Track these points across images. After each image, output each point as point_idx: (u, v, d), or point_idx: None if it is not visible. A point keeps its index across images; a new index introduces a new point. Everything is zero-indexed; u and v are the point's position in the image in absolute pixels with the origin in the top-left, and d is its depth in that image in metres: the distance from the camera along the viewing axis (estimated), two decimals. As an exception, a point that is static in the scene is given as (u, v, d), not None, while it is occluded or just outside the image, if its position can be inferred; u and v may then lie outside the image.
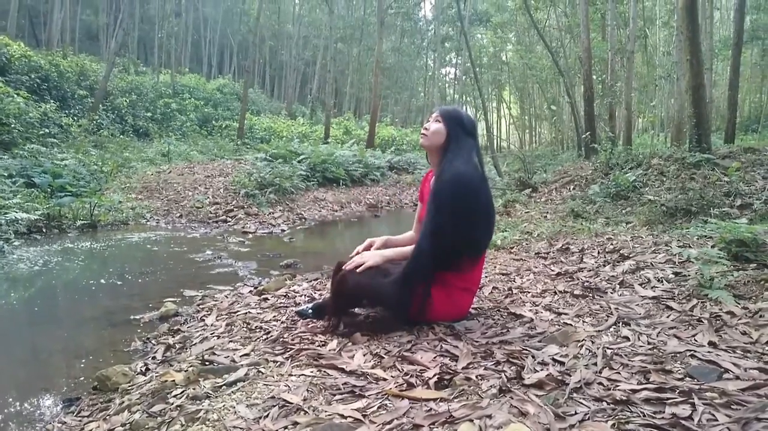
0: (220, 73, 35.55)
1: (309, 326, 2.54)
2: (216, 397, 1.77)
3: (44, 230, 6.90)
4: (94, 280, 4.60)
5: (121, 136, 16.79)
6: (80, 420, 2.04)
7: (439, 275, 2.33)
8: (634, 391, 1.55)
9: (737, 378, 1.64)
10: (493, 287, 3.12)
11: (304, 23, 37.25)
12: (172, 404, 1.81)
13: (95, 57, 23.57)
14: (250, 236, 7.52)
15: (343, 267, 2.34)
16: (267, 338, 2.43)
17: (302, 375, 1.89)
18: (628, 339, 2.06)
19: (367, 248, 2.59)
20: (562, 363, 1.83)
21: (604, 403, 1.50)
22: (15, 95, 11.88)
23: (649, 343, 2.00)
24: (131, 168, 12.11)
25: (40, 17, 28.89)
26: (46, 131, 12.43)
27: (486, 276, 3.41)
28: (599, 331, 2.17)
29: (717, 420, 1.37)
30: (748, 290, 2.50)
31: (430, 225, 2.25)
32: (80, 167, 10.10)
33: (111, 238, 6.79)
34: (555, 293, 2.88)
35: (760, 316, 2.17)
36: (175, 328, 3.14)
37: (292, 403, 1.64)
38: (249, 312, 3.04)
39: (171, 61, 28.61)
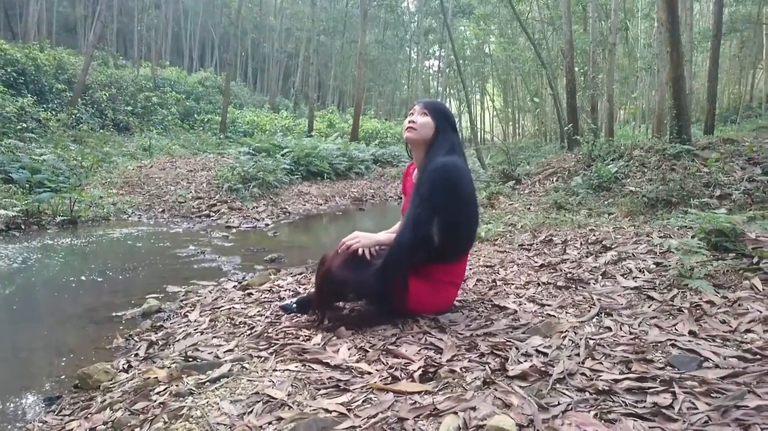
0: (201, 67, 35.14)
1: (293, 320, 2.52)
2: (199, 394, 1.75)
3: (23, 227, 6.78)
4: (75, 277, 4.54)
5: (101, 130, 16.53)
6: (61, 419, 2.01)
7: (424, 268, 2.33)
8: (616, 381, 1.57)
9: (717, 366, 1.66)
10: (477, 280, 3.13)
11: (286, 15, 36.93)
12: (155, 401, 1.79)
13: (73, 50, 23.13)
14: (234, 230, 7.47)
15: (337, 248, 2.32)
16: (251, 333, 2.41)
17: (286, 370, 1.88)
18: (610, 329, 2.08)
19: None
20: (545, 354, 1.84)
21: (587, 393, 1.51)
22: (-10, 90, 11.66)
23: (630, 333, 2.02)
24: (112, 163, 11.94)
25: (16, 9, 28.20)
26: (24, 125, 12.21)
27: (470, 268, 3.42)
28: (582, 322, 2.18)
29: (697, 408, 1.39)
30: (727, 280, 2.53)
31: (413, 216, 2.25)
32: (59, 162, 9.92)
33: (92, 234, 6.70)
34: (538, 284, 2.90)
35: (739, 305, 2.20)
36: (158, 324, 3.11)
37: (276, 398, 1.63)
38: (233, 308, 3.02)
39: (151, 54, 28.21)
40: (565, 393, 1.52)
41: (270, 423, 1.50)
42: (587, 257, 3.43)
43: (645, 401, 1.45)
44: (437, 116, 2.36)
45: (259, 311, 2.83)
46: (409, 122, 2.38)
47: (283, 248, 6.13)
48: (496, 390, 1.56)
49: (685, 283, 2.50)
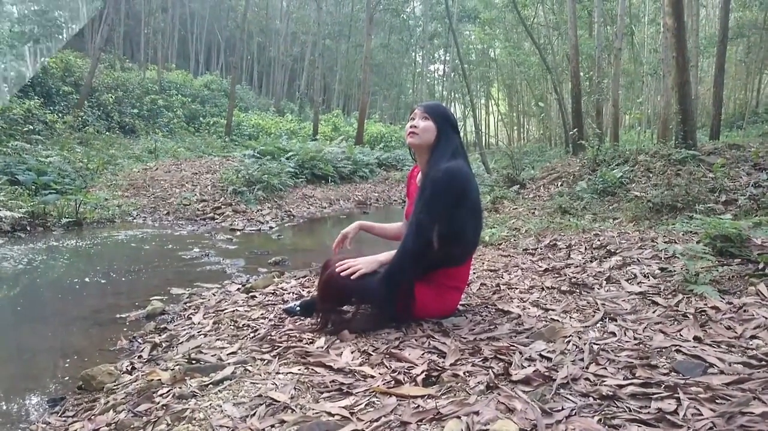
0: (207, 70, 35.27)
1: (297, 323, 2.52)
2: (202, 396, 1.75)
3: (28, 228, 6.81)
4: (80, 278, 4.55)
5: (107, 133, 16.64)
6: (65, 421, 2.01)
7: (428, 273, 2.33)
8: (620, 386, 1.56)
9: (722, 372, 1.65)
10: (481, 284, 3.12)
11: (292, 19, 37.01)
12: (158, 403, 1.79)
13: (80, 53, 23.23)
14: (238, 233, 7.48)
15: (336, 271, 2.30)
16: (254, 336, 2.41)
17: (290, 373, 1.88)
18: (614, 334, 2.07)
19: (344, 238, 2.64)
20: (549, 359, 1.84)
21: (591, 398, 1.50)
22: (-2, 92, 11.75)
23: (635, 338, 2.01)
24: (117, 165, 11.99)
25: (24, 12, 28.43)
26: (30, 127, 12.29)
27: (474, 273, 3.42)
28: (586, 327, 2.18)
29: (702, 414, 1.38)
30: (733, 286, 2.52)
31: (416, 221, 2.24)
32: (65, 164, 9.97)
33: (97, 236, 6.72)
34: (542, 289, 2.89)
35: (744, 311, 2.19)
36: (162, 326, 3.11)
37: (279, 401, 1.63)
38: (236, 310, 3.02)
39: (157, 57, 28.31)
40: (568, 398, 1.51)
41: (273, 426, 1.49)
42: (592, 261, 3.42)
43: (649, 407, 1.44)
44: (438, 118, 2.35)
45: (262, 314, 2.83)
46: (411, 126, 2.37)
47: (287, 251, 6.14)
48: (500, 394, 1.56)
49: (690, 288, 2.49)
